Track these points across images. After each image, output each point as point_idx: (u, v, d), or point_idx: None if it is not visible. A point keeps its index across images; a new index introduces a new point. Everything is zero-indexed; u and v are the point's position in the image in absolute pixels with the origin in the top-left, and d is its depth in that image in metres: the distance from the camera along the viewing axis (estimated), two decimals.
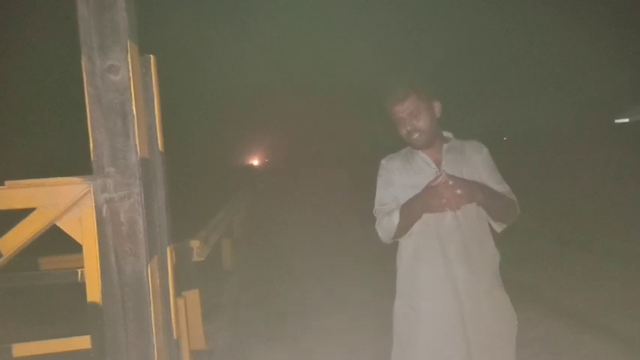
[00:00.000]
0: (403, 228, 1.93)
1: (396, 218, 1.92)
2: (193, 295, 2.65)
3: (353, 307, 4.60)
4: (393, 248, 2.11)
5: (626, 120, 23.09)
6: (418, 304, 1.95)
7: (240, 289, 5.63)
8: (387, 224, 1.95)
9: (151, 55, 2.05)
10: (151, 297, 1.83)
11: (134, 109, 1.81)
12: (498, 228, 2.01)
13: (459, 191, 1.82)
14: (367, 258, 6.46)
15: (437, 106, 2.00)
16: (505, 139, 31.16)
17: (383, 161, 2.11)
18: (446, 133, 2.11)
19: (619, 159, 14.69)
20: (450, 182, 1.83)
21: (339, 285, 5.43)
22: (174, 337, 1.98)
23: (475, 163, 2.00)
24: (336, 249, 7.49)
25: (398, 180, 2.01)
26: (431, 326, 1.92)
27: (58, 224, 1.75)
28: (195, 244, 2.92)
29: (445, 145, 2.02)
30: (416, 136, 1.96)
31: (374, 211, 2.04)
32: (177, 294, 2.28)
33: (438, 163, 1.99)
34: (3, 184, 1.71)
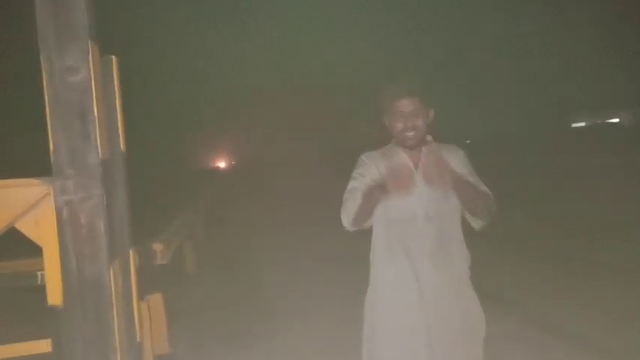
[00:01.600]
0: (364, 210, 2.00)
1: (358, 198, 1.99)
2: (157, 299, 2.62)
3: (320, 309, 4.62)
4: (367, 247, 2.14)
5: (583, 124, 24.05)
6: (386, 298, 2.03)
7: (204, 293, 5.57)
8: (350, 205, 2.02)
9: (113, 56, 2.03)
10: (113, 300, 1.82)
11: (95, 109, 1.79)
12: (476, 225, 2.09)
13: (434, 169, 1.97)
14: (339, 259, 6.50)
15: (431, 114, 2.09)
16: (468, 141, 31.86)
17: (362, 156, 2.16)
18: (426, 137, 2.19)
19: (575, 161, 15.25)
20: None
21: (306, 286, 5.45)
22: (137, 340, 1.96)
23: (451, 167, 2.05)
24: (303, 249, 7.50)
25: (374, 176, 2.05)
26: (397, 320, 1.99)
27: (17, 226, 1.71)
28: (158, 247, 2.89)
29: (424, 148, 2.08)
30: (412, 133, 2.03)
31: (344, 198, 2.09)
32: (141, 297, 2.26)
33: (417, 165, 2.06)
34: None
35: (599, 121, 23.28)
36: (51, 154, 1.74)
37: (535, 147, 21.46)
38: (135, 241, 2.48)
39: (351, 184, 2.10)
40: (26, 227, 1.72)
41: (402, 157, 2.07)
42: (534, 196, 11.35)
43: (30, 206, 1.72)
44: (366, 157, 2.15)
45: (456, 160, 2.09)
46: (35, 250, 1.74)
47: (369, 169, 2.09)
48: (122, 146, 2.03)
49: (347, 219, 2.04)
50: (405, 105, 2.02)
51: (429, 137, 2.15)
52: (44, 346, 1.68)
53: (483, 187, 2.08)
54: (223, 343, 4.00)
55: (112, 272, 1.82)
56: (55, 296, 1.70)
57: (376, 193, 1.95)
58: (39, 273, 1.70)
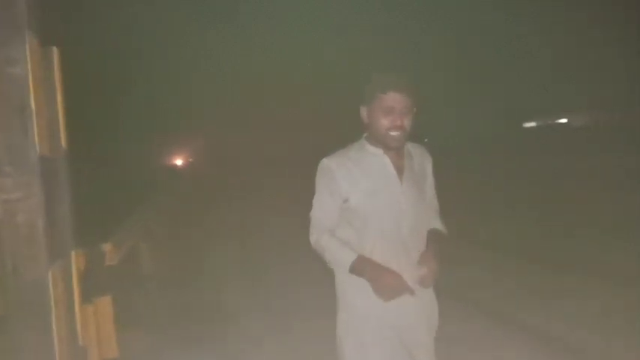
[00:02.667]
0: (341, 267, 1.81)
1: (347, 261, 1.77)
2: (105, 302, 2.52)
3: (280, 311, 4.58)
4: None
5: (534, 124, 24.87)
6: (371, 317, 1.83)
7: (160, 294, 5.43)
8: (335, 259, 1.81)
9: (54, 47, 1.93)
10: (54, 304, 1.73)
11: (33, 103, 1.69)
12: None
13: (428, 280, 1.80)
14: (303, 258, 6.47)
15: (414, 112, 1.87)
16: (426, 140, 32.46)
17: (326, 161, 1.86)
18: None
19: (527, 162, 15.73)
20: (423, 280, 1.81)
21: (268, 288, 5.38)
22: (80, 345, 1.87)
23: (425, 173, 1.95)
24: (263, 251, 7.43)
25: (347, 185, 1.81)
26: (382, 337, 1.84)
27: None
28: (107, 247, 2.78)
29: (405, 149, 1.90)
30: (398, 133, 1.79)
31: (311, 214, 1.88)
32: (87, 300, 2.16)
33: (399, 169, 1.85)
34: None
35: (549, 122, 24.10)
36: None
37: (490, 147, 22.00)
38: (84, 242, 2.37)
39: (324, 202, 1.86)
40: None
41: (384, 161, 1.84)
42: (491, 196, 11.63)
43: None
44: (331, 162, 1.86)
45: (429, 167, 1.98)
46: None
47: (340, 180, 1.82)
48: (64, 142, 1.93)
49: (317, 248, 1.86)
50: (397, 100, 1.77)
51: None
52: None
53: (435, 202, 2.01)
54: (178, 346, 3.90)
55: (52, 275, 1.73)
56: None
57: (365, 271, 1.75)
58: None
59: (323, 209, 1.85)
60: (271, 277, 5.82)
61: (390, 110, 1.77)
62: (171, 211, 11.39)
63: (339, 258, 1.78)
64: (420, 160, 1.95)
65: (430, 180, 1.99)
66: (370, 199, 1.79)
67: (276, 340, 3.92)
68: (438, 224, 1.98)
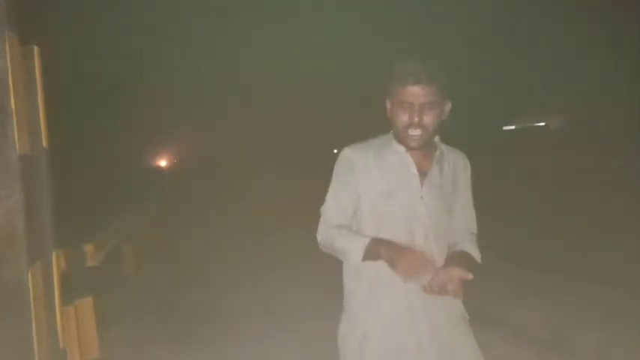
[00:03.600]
0: (350, 259, 1.59)
1: (360, 245, 1.55)
2: (86, 303, 2.50)
3: (265, 312, 4.55)
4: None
5: (513, 127, 25.11)
6: (373, 334, 1.62)
7: (142, 295, 5.39)
8: (346, 246, 1.59)
9: (35, 46, 1.91)
10: (33, 305, 1.71)
11: (13, 102, 1.68)
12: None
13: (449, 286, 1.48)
14: (288, 259, 6.42)
15: (447, 107, 1.62)
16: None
17: (347, 150, 1.67)
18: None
19: (506, 163, 15.87)
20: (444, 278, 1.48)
21: (251, 289, 5.36)
22: (61, 346, 1.86)
23: (459, 183, 1.69)
24: (249, 250, 7.40)
25: (364, 181, 1.62)
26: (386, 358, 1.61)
27: None
28: (89, 248, 2.76)
29: (437, 152, 1.66)
30: (418, 132, 1.56)
31: (322, 208, 1.68)
32: (68, 301, 2.14)
33: (423, 171, 1.62)
34: None
35: (528, 125, 24.39)
36: None
37: (471, 148, 22.14)
38: (66, 242, 2.35)
39: (337, 195, 1.66)
40: None
41: (406, 159, 1.61)
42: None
43: None
44: (352, 153, 1.66)
45: (464, 178, 1.70)
46: None
47: (358, 173, 1.63)
48: (45, 142, 1.91)
49: (324, 247, 1.64)
50: (416, 94, 1.53)
51: (436, 138, 1.69)
52: None
53: (472, 221, 1.72)
54: (161, 347, 3.87)
55: (31, 276, 1.72)
56: None
57: (382, 253, 1.51)
58: None
59: (335, 203, 1.66)
60: (257, 277, 5.80)
61: (409, 106, 1.54)
62: (156, 211, 11.34)
63: (352, 244, 1.57)
64: (454, 167, 1.68)
65: (464, 193, 1.70)
66: (385, 200, 1.59)
67: (262, 339, 3.91)
68: (470, 248, 1.66)
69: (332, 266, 1.77)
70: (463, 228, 1.70)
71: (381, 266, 1.55)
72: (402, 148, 1.62)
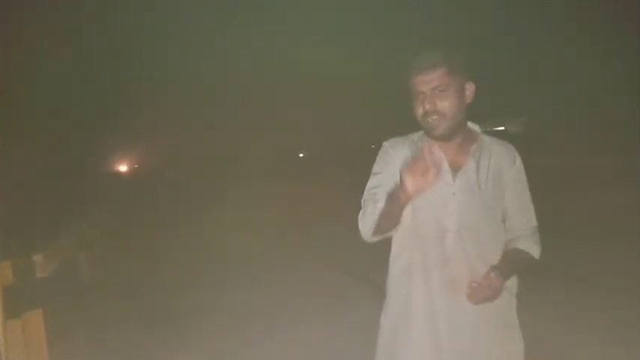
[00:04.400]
0: (388, 218, 1.51)
1: (380, 201, 1.52)
2: (35, 316, 2.37)
3: (230, 319, 4.43)
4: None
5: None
6: (402, 329, 1.61)
7: (100, 305, 5.19)
8: (369, 211, 1.55)
9: None
10: None
11: None
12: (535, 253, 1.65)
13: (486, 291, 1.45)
14: (253, 264, 6.37)
15: (469, 89, 1.57)
16: (373, 147, 32.93)
17: (386, 144, 1.68)
18: (472, 126, 1.65)
19: None
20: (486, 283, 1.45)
21: (213, 296, 5.21)
22: None
23: (502, 178, 1.59)
24: (209, 257, 7.23)
25: (400, 167, 1.58)
26: (412, 354, 1.59)
27: None
28: (38, 258, 2.62)
29: (474, 145, 1.60)
30: (434, 118, 1.52)
31: (362, 201, 1.64)
32: (15, 315, 2.02)
33: (456, 167, 1.58)
34: None
35: (488, 129, 25.17)
36: None
37: None
38: (13, 253, 2.22)
39: (371, 182, 1.64)
40: None
41: (436, 154, 1.50)
42: None
43: None
44: (390, 145, 1.67)
45: (511, 173, 1.61)
46: None
47: (394, 162, 1.61)
48: None
49: (366, 228, 1.56)
50: (424, 82, 1.51)
51: (474, 126, 1.64)
52: None
53: (530, 216, 1.63)
54: (118, 357, 3.74)
55: None
56: None
57: (401, 196, 1.43)
58: None
59: (372, 186, 1.62)
60: (218, 283, 5.69)
61: (421, 95, 1.53)
62: (114, 218, 10.97)
63: (374, 205, 1.54)
64: (497, 161, 1.60)
65: (514, 187, 1.61)
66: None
67: (221, 346, 3.83)
68: (526, 244, 1.61)
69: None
70: (520, 224, 1.63)
71: (409, 261, 1.57)
72: (434, 142, 1.59)
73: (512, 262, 1.55)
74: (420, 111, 1.54)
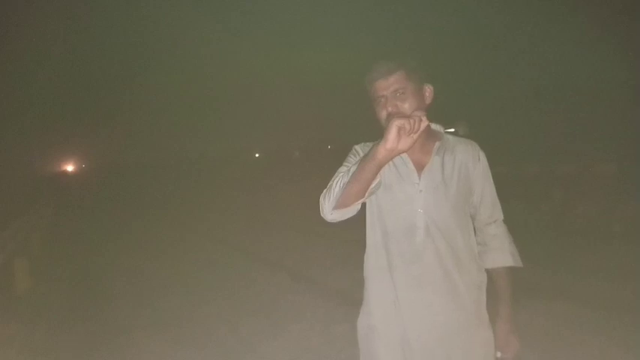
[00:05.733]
0: (353, 188, 1.46)
1: (346, 176, 1.49)
2: None
3: (172, 327, 4.10)
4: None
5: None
6: (375, 327, 1.62)
7: (36, 315, 4.64)
8: (336, 184, 1.51)
9: None
10: None
11: None
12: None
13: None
14: (195, 268, 6.11)
15: (428, 90, 1.62)
16: (329, 147, 32.85)
17: (356, 146, 1.70)
18: (435, 126, 1.70)
19: None
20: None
21: (158, 300, 4.84)
22: None
23: (468, 174, 1.63)
24: (151, 260, 6.74)
25: None
26: (384, 354, 1.59)
27: None
28: None
29: (437, 144, 1.62)
30: None
31: (328, 185, 1.59)
32: None
33: (420, 166, 1.60)
34: None
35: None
36: None
37: None
38: None
39: (339, 170, 1.60)
40: None
41: (402, 155, 1.57)
42: None
43: None
44: (360, 148, 1.69)
45: (477, 170, 1.64)
46: None
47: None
48: None
49: (328, 202, 1.51)
50: (383, 86, 1.56)
51: (437, 127, 1.70)
52: None
53: (497, 211, 1.67)
54: None
55: None
56: None
57: (379, 150, 1.39)
58: None
59: (344, 169, 1.57)
60: (163, 287, 5.27)
61: (382, 99, 1.57)
62: (54, 222, 10.20)
63: (341, 180, 1.51)
64: (463, 158, 1.63)
65: (480, 183, 1.64)
66: (383, 194, 1.60)
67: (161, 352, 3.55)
68: (504, 259, 1.64)
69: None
70: (488, 217, 1.67)
71: (378, 259, 1.62)
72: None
73: (508, 295, 1.64)
74: (383, 114, 1.57)
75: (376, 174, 1.46)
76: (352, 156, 1.68)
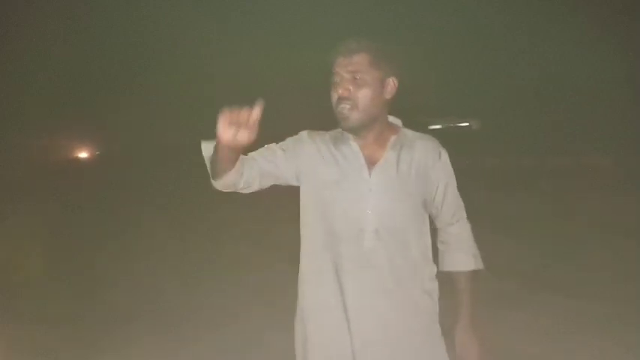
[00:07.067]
0: (217, 159, 1.34)
1: (210, 147, 1.37)
2: None
3: (167, 322, 4.04)
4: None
5: (439, 126, 25.97)
6: (312, 336, 1.47)
7: (30, 305, 4.59)
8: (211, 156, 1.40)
9: None
10: None
11: None
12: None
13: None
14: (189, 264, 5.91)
15: (390, 84, 1.44)
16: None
17: (304, 132, 1.53)
18: (393, 119, 1.54)
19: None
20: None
21: (156, 293, 4.75)
22: None
23: (427, 173, 1.47)
24: (161, 251, 6.57)
25: (307, 167, 1.47)
26: None
27: None
28: None
29: (393, 138, 1.47)
30: (345, 106, 1.39)
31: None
32: None
33: (373, 161, 1.44)
34: None
35: (451, 125, 25.31)
36: None
37: None
38: None
39: (268, 146, 1.51)
40: None
41: (353, 148, 1.45)
42: None
43: None
44: (307, 134, 1.52)
45: (437, 168, 1.49)
46: None
47: (302, 147, 1.49)
48: None
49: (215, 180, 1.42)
50: (342, 64, 1.40)
51: (396, 120, 1.54)
52: None
53: (460, 209, 1.54)
54: None
55: None
56: None
57: (217, 148, 1.29)
58: None
59: (260, 151, 1.48)
60: (159, 282, 5.09)
61: (338, 79, 1.41)
62: (54, 214, 10.07)
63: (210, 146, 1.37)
64: (422, 155, 1.47)
65: (441, 181, 1.49)
66: (328, 191, 1.44)
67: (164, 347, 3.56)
68: (465, 262, 1.50)
69: None
70: (450, 216, 1.53)
71: (322, 260, 1.45)
72: (350, 137, 1.46)
73: (467, 299, 1.49)
74: (334, 96, 1.42)
75: (228, 160, 1.34)
76: (294, 141, 1.52)
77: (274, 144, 1.50)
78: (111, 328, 3.85)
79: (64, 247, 6.84)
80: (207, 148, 1.37)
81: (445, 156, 1.51)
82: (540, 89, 19.21)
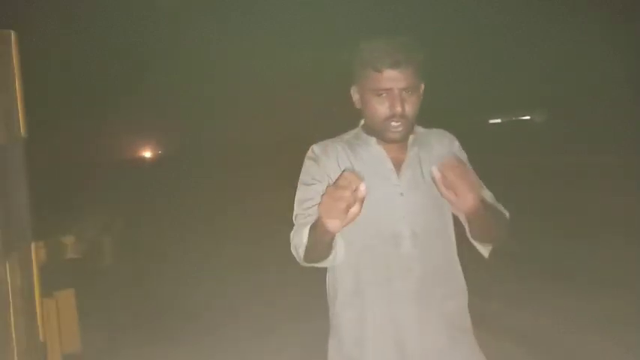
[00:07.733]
0: (316, 249, 1.28)
1: (305, 234, 1.28)
2: (67, 295, 2.41)
3: (240, 311, 4.25)
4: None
5: (499, 120, 25.19)
6: (358, 356, 1.38)
7: (120, 289, 5.04)
8: (297, 241, 1.32)
9: (12, 31, 1.85)
10: (11, 297, 1.66)
11: None
12: (486, 252, 1.42)
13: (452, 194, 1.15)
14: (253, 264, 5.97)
15: (422, 90, 1.39)
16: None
17: (315, 148, 1.44)
18: None
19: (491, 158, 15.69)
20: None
21: (231, 284, 4.99)
22: (41, 339, 1.82)
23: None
24: (231, 245, 6.81)
25: (335, 170, 1.38)
26: None
27: None
28: (69, 239, 2.66)
29: (411, 138, 1.41)
30: (399, 124, 1.32)
31: (294, 217, 1.41)
32: (48, 294, 2.09)
33: (398, 163, 1.39)
34: None
35: (513, 118, 24.57)
36: None
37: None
38: (45, 233, 2.25)
39: (303, 194, 1.40)
40: None
41: (377, 152, 1.39)
42: None
43: None
44: (320, 151, 1.43)
45: (457, 153, 1.44)
46: None
47: (325, 168, 1.40)
48: (22, 130, 1.85)
49: (297, 256, 1.36)
50: (395, 79, 1.29)
51: None
52: None
53: (488, 194, 1.43)
54: (136, 342, 3.77)
55: (8, 267, 1.67)
56: None
57: (321, 230, 1.18)
58: None
59: (301, 201, 1.39)
60: (237, 272, 5.36)
61: (388, 93, 1.31)
62: (136, 204, 10.76)
63: (300, 234, 1.31)
64: (441, 150, 1.44)
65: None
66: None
67: (245, 338, 3.68)
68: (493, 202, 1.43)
69: None
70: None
71: (358, 277, 1.37)
72: (372, 140, 1.41)
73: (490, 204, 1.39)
74: (383, 111, 1.32)
75: (330, 245, 1.28)
76: (313, 164, 1.41)
77: (304, 187, 1.40)
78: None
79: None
80: (299, 234, 1.31)
81: (457, 143, 1.48)
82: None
